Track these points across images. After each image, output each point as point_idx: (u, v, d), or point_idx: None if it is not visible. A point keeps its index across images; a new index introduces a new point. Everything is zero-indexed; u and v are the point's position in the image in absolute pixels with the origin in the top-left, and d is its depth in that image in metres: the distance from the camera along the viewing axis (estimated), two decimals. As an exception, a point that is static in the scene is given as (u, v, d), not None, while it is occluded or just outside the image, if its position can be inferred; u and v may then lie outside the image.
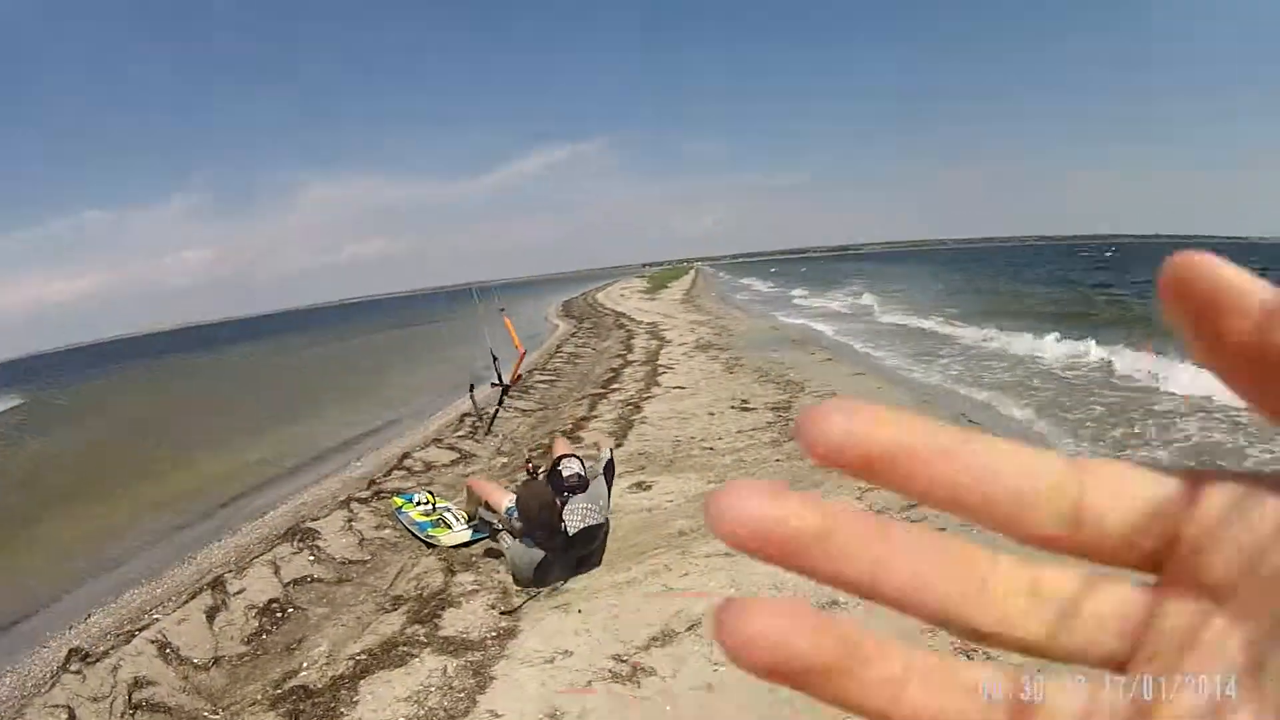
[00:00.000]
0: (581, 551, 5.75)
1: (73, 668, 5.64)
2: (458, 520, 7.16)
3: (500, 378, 8.92)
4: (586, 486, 6.03)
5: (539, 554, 5.48)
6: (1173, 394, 10.39)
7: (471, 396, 10.05)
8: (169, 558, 8.72)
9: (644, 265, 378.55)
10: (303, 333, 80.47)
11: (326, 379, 29.52)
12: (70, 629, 7.00)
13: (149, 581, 7.87)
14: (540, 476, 6.12)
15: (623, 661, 4.42)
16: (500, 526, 6.12)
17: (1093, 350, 14.01)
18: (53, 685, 5.47)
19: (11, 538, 10.81)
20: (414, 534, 7.36)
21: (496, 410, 9.36)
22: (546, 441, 9.14)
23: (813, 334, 22.04)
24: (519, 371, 9.42)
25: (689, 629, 4.67)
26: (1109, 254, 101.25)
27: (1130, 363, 12.40)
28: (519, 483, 6.38)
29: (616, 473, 6.68)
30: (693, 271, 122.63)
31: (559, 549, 5.55)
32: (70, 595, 8.23)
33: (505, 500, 6.10)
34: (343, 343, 50.45)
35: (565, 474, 6.17)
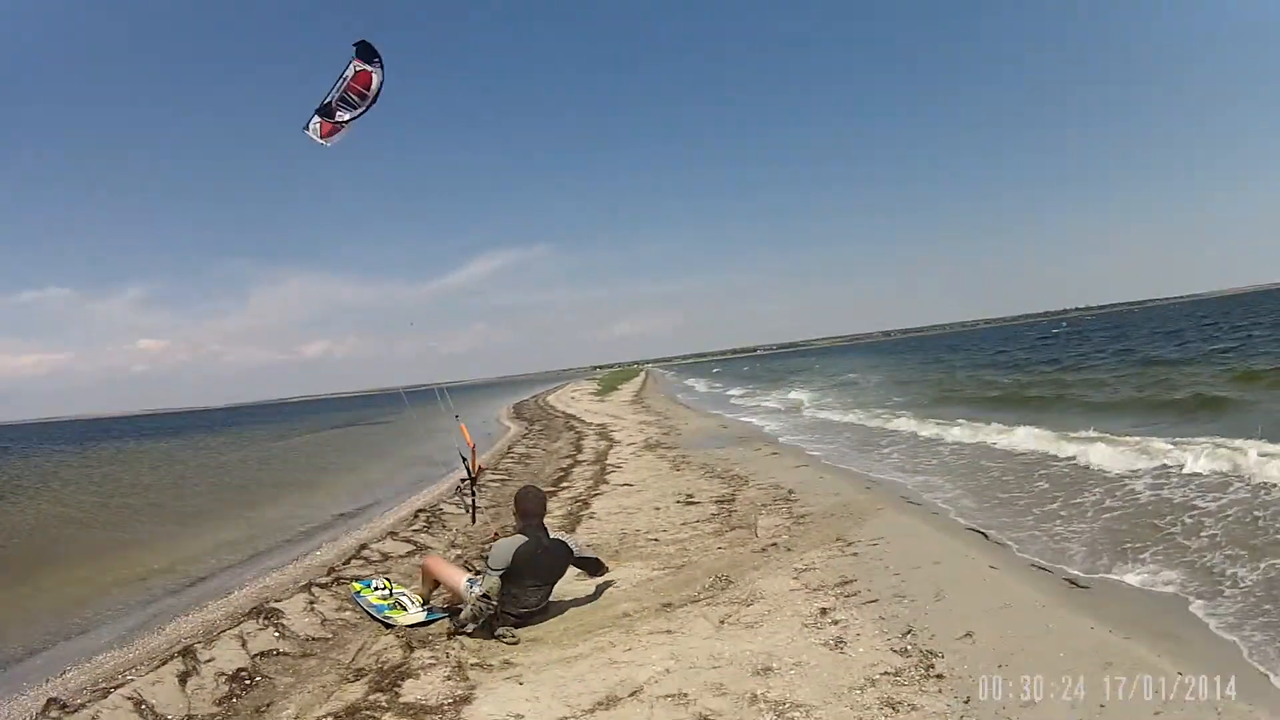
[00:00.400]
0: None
1: (52, 714, 5.84)
2: (413, 604, 7.51)
3: (468, 472, 9.32)
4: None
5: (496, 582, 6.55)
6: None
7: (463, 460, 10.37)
8: (138, 627, 8.92)
9: (595, 368, 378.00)
10: (262, 425, 79.58)
11: (286, 471, 29.54)
12: (47, 682, 7.19)
13: (121, 647, 8.06)
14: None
15: None
16: (447, 609, 7.00)
17: (1018, 434, 14.60)
18: None
19: None
20: (372, 616, 7.65)
21: (472, 499, 9.71)
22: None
23: (758, 431, 22.47)
24: (480, 464, 9.79)
25: (631, 695, 5.00)
26: (1056, 331, 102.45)
27: (1058, 446, 12.88)
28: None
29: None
30: (643, 373, 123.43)
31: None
32: (44, 654, 8.43)
33: (463, 577, 6.95)
34: (301, 437, 50.10)
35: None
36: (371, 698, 5.58)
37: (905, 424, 19.40)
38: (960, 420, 17.64)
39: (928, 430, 17.45)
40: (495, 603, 6.55)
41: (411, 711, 5.26)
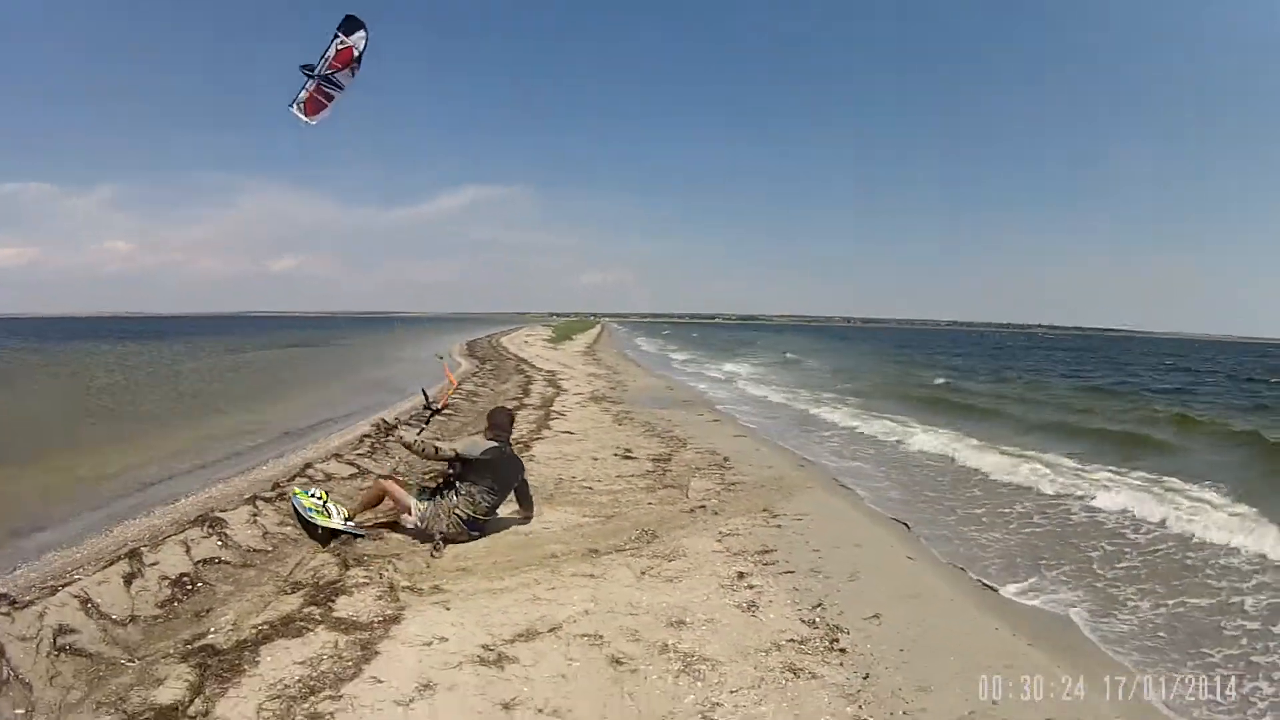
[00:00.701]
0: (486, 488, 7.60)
1: (1, 610, 5.79)
2: (338, 513, 7.82)
3: (429, 403, 9.52)
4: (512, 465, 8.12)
5: (453, 518, 7.40)
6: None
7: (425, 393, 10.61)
8: (87, 529, 8.91)
9: (550, 314, 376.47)
10: (221, 337, 79.00)
11: (237, 386, 29.39)
12: None
13: (70, 547, 8.09)
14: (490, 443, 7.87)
15: (490, 650, 4.99)
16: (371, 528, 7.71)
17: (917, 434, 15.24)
18: None
19: None
20: (299, 515, 7.92)
21: (424, 426, 9.96)
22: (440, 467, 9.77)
23: (702, 396, 22.79)
24: (447, 400, 10.13)
25: (551, 630, 5.27)
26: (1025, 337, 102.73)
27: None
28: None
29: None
30: (599, 326, 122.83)
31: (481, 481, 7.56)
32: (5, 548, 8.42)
33: (414, 503, 7.55)
34: (258, 353, 49.86)
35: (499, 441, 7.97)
36: (306, 610, 5.79)
37: (832, 412, 19.78)
38: (886, 416, 18.14)
39: (855, 421, 17.84)
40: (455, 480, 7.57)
41: (343, 626, 5.49)
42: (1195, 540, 8.59)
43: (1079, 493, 10.68)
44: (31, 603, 5.85)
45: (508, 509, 8.01)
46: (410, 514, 7.54)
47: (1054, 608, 6.57)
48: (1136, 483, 11.23)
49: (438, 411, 9.55)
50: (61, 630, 5.58)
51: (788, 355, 50.96)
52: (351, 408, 19.72)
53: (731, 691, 4.44)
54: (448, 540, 7.33)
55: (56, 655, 5.33)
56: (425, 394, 9.50)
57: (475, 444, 7.71)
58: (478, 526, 7.52)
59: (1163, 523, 9.21)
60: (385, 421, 13.20)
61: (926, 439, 15.04)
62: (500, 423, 8.08)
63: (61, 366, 35.89)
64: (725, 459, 11.43)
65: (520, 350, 44.94)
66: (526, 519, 8.04)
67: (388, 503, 7.80)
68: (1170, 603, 6.77)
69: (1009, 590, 6.88)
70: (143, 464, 12.58)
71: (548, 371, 28.55)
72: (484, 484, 7.51)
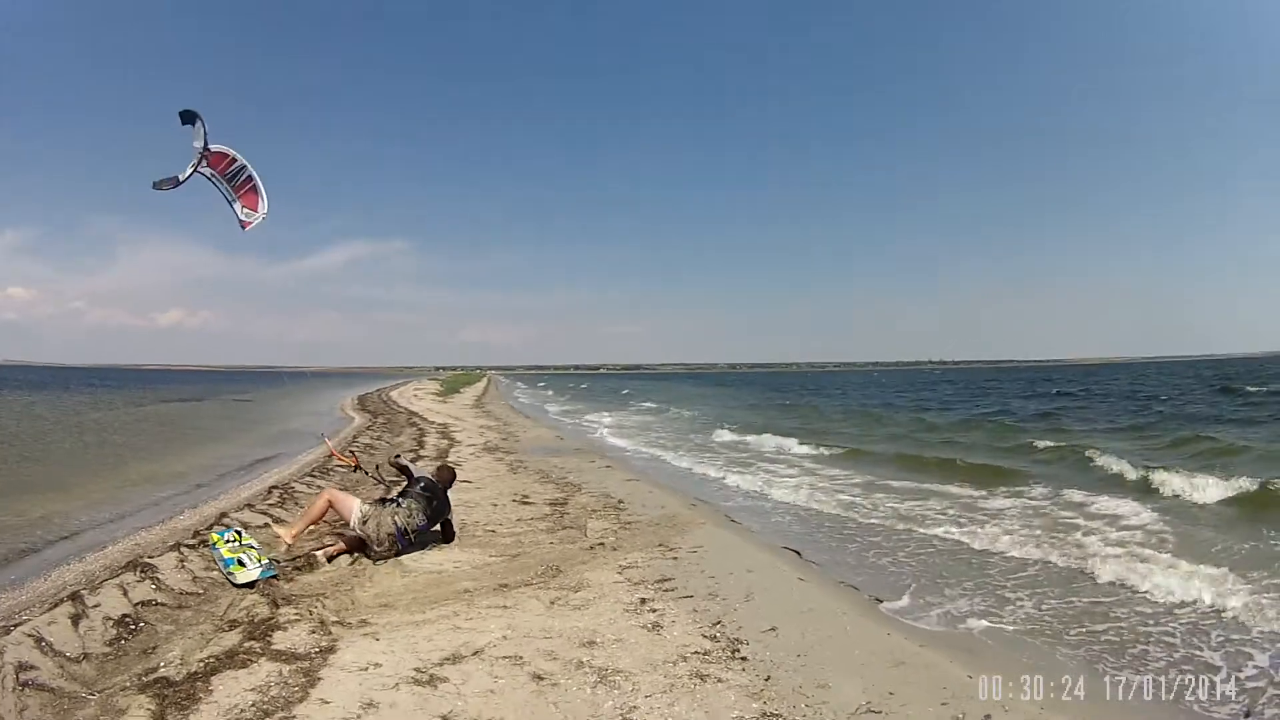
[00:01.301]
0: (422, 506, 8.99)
1: None
2: (253, 562, 8.14)
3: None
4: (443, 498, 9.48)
5: (389, 523, 8.60)
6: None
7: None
8: (27, 573, 8.97)
9: (436, 369, 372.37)
10: (118, 390, 76.68)
11: (143, 437, 28.61)
12: None
13: (13, 589, 8.16)
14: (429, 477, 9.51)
15: (422, 673, 5.38)
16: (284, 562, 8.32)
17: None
18: None
19: None
20: (219, 568, 8.22)
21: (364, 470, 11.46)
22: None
23: (596, 444, 23.42)
24: (357, 461, 11.31)
25: (474, 654, 5.69)
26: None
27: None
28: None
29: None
30: (486, 379, 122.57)
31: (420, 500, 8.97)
32: None
33: (356, 504, 8.83)
34: (156, 406, 48.72)
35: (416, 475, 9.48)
36: (247, 645, 6.08)
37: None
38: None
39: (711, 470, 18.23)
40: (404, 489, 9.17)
41: (283, 657, 5.81)
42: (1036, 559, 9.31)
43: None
44: None
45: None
46: (352, 515, 8.70)
47: (942, 617, 7.18)
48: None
49: (357, 468, 10.86)
50: (22, 667, 5.74)
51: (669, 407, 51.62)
52: (256, 456, 19.90)
53: (646, 696, 4.90)
54: (377, 555, 8.50)
55: (21, 690, 5.50)
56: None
57: (424, 472, 9.59)
58: (406, 541, 8.64)
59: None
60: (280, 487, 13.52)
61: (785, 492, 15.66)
62: (445, 478, 9.70)
63: None
64: (619, 501, 11.92)
65: (411, 404, 45.15)
66: (447, 541, 9.35)
67: (331, 513, 8.83)
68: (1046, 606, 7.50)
69: (899, 604, 7.47)
70: (66, 511, 12.53)
71: (440, 424, 28.87)
72: (420, 505, 8.88)
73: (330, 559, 8.56)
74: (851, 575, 8.54)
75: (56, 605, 6.92)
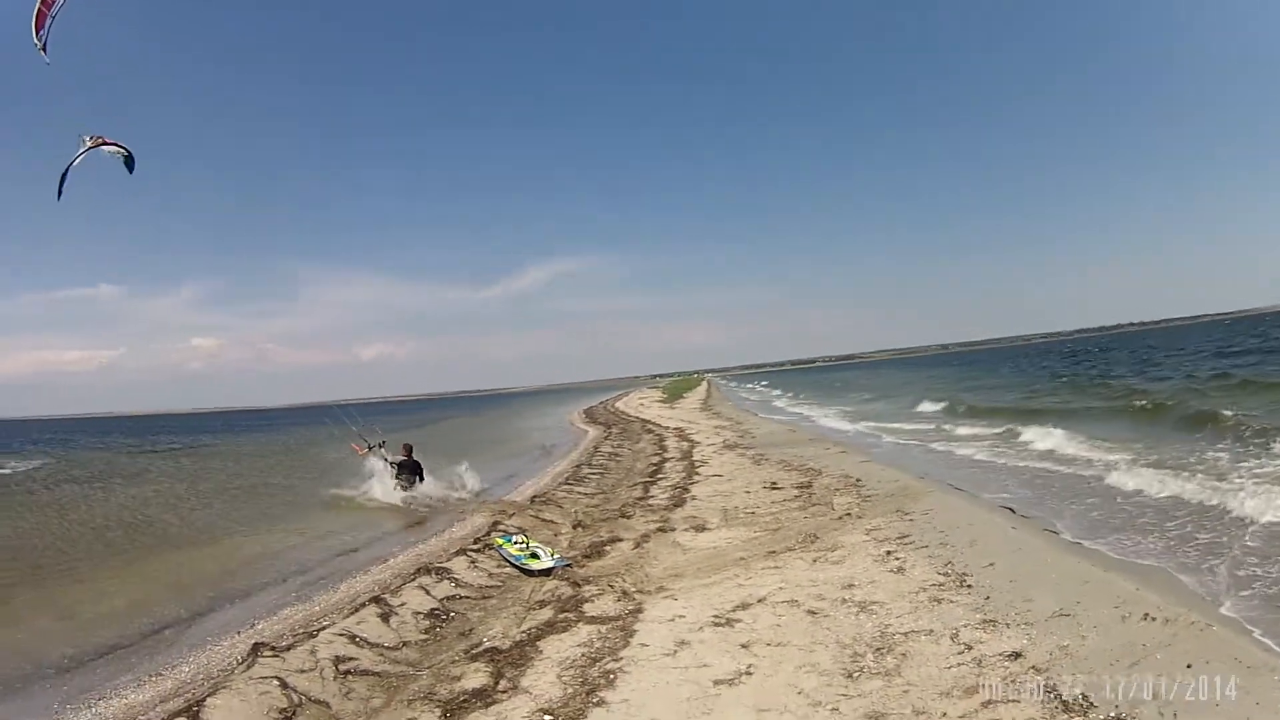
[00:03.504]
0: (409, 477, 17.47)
1: (265, 655, 6.73)
2: (545, 554, 9.61)
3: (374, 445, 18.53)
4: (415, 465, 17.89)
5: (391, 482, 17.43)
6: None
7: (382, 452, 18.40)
8: (309, 586, 10.06)
9: (654, 376, 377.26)
10: (323, 424, 79.93)
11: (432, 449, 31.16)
12: (238, 634, 8.17)
13: (303, 602, 9.24)
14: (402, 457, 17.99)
15: (720, 618, 6.89)
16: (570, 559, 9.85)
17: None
18: (249, 665, 6.58)
19: (133, 571, 12.27)
20: (512, 563, 9.60)
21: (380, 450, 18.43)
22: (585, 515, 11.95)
23: (824, 434, 24.37)
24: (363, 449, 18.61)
25: (759, 602, 7.21)
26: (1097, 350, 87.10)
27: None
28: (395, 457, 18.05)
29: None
30: (705, 382, 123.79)
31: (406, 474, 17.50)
32: (210, 616, 9.24)
33: (373, 457, 18.32)
34: (414, 430, 52.18)
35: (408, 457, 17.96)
36: (561, 616, 7.45)
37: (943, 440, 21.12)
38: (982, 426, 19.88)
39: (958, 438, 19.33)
40: (395, 471, 17.47)
41: (598, 621, 7.21)
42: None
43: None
44: (291, 647, 6.96)
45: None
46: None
47: (1127, 554, 8.02)
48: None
49: (375, 447, 18.43)
50: (339, 660, 6.66)
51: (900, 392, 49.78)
52: (508, 470, 21.84)
53: (897, 617, 6.33)
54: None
55: (344, 677, 6.39)
56: (365, 447, 18.42)
57: (397, 457, 17.95)
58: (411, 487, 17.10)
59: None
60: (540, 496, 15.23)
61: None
62: (406, 452, 18.05)
63: (200, 461, 37.17)
64: (858, 479, 13.15)
65: (639, 412, 46.64)
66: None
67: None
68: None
69: (1093, 544, 8.43)
70: (332, 532, 14.04)
71: (674, 428, 30.10)
72: (404, 475, 17.41)
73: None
74: (1056, 524, 9.41)
75: (359, 609, 7.93)
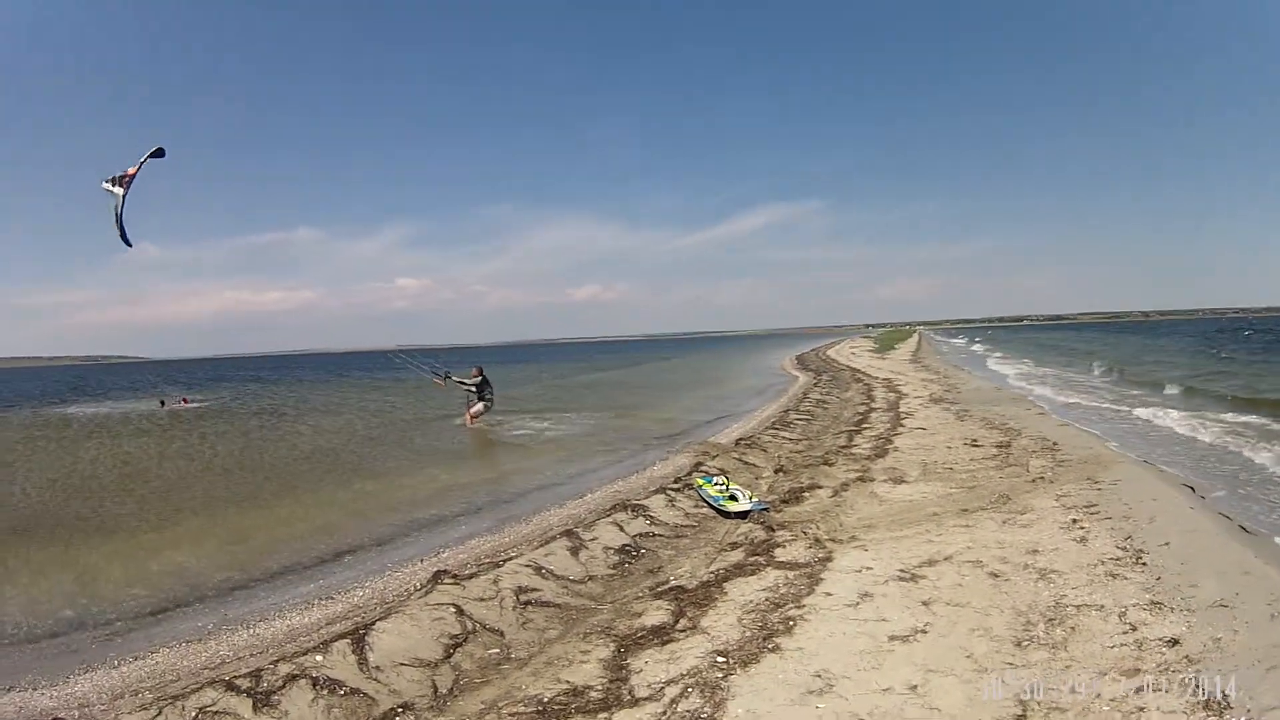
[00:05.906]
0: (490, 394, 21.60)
1: (445, 582, 6.73)
2: (743, 496, 9.85)
3: (445, 375, 21.54)
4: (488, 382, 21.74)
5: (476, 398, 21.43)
6: None
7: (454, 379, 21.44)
8: (501, 522, 10.11)
9: (866, 325, 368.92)
10: (566, 361, 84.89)
11: (633, 392, 32.81)
12: (422, 561, 8.35)
13: (491, 534, 9.41)
14: (479, 378, 21.58)
15: (905, 573, 7.16)
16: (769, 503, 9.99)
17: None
18: (428, 591, 6.61)
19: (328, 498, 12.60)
20: (709, 504, 9.82)
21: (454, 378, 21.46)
22: (808, 462, 12.31)
23: (1026, 394, 23.65)
24: (442, 381, 21.56)
25: (946, 559, 7.46)
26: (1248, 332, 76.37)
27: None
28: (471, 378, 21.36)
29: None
30: (916, 335, 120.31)
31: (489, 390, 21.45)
32: (396, 544, 9.44)
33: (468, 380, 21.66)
34: (624, 370, 55.61)
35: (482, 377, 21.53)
36: (751, 560, 7.57)
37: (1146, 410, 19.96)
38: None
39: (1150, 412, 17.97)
40: (473, 390, 21.38)
41: (787, 566, 7.33)
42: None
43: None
44: (474, 575, 7.03)
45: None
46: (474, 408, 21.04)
47: None
48: None
49: (450, 376, 21.30)
50: (521, 590, 6.69)
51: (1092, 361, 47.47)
52: (724, 408, 22.62)
53: (1073, 588, 6.47)
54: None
55: (523, 608, 6.41)
56: (445, 375, 21.22)
57: (473, 378, 21.29)
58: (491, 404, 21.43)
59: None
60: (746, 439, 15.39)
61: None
62: (479, 372, 21.39)
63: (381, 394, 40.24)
64: (1055, 443, 12.98)
65: (850, 361, 46.08)
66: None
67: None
68: None
69: (1261, 531, 8.14)
70: (531, 469, 14.47)
71: (883, 379, 29.75)
72: (486, 392, 21.28)
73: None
74: (1229, 507, 9.12)
75: (549, 541, 8.01)
